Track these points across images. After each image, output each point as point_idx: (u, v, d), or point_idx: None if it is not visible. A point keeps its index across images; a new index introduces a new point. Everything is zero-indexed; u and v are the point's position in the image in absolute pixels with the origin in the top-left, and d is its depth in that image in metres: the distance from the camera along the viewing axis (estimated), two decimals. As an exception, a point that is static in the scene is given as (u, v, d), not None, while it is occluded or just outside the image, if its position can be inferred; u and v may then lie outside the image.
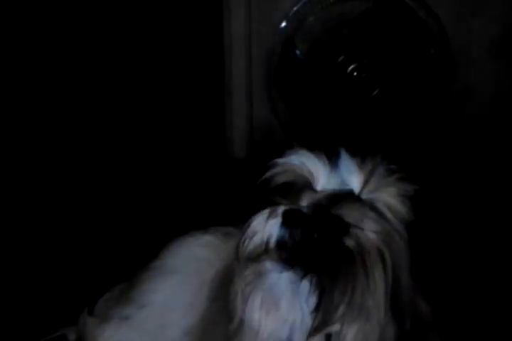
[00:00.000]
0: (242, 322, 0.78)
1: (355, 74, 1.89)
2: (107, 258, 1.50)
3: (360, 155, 0.84)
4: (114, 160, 1.92)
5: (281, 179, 0.83)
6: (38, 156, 1.90)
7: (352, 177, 0.81)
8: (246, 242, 0.77)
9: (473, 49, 1.97)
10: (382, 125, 1.95)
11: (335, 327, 0.75)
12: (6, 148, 1.89)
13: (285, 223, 0.75)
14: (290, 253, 0.75)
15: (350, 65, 1.89)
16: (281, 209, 0.76)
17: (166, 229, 1.31)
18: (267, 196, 0.81)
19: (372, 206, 0.80)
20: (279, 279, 0.75)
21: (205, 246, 1.08)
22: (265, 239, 0.76)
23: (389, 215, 0.80)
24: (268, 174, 0.83)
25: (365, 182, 0.80)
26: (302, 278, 0.74)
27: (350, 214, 0.77)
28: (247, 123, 2.00)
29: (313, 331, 0.75)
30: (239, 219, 0.85)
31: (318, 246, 0.74)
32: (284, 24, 1.88)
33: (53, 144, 1.95)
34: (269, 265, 0.76)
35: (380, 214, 0.80)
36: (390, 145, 1.96)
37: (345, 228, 0.76)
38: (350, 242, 0.76)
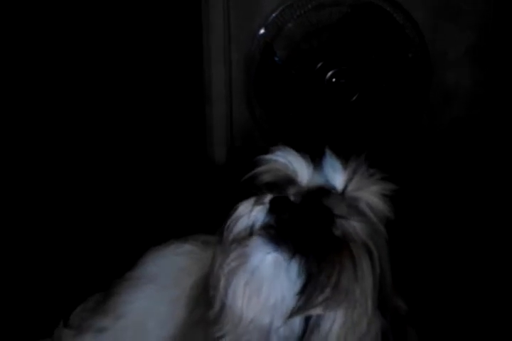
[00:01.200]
0: (223, 308, 0.78)
1: (333, 80, 1.90)
2: (82, 268, 1.48)
3: (344, 155, 0.85)
4: (94, 165, 1.91)
5: (266, 177, 0.83)
6: (27, 156, 1.89)
7: (336, 176, 0.82)
8: (231, 226, 0.77)
9: (451, 53, 1.99)
10: (362, 130, 1.96)
11: (316, 311, 0.74)
12: (5, 148, 1.87)
13: (272, 209, 0.76)
14: (279, 236, 0.75)
15: (329, 71, 1.90)
16: (268, 197, 0.77)
17: (144, 236, 1.30)
18: (251, 193, 0.82)
19: (354, 204, 0.81)
20: (263, 261, 0.75)
21: (185, 255, 1.07)
22: (251, 223, 0.76)
23: (370, 214, 0.81)
24: (253, 172, 0.84)
25: (348, 181, 0.81)
26: (290, 258, 0.74)
27: (336, 206, 0.78)
28: (227, 129, 2.01)
29: (295, 312, 0.74)
30: (219, 225, 0.84)
31: (307, 230, 0.75)
32: (262, 31, 1.88)
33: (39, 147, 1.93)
34: (254, 246, 0.75)
35: (361, 213, 0.81)
36: (371, 149, 1.96)
37: (332, 218, 0.77)
38: (337, 232, 0.76)
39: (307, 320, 0.75)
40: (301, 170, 0.82)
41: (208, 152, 2.06)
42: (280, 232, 0.75)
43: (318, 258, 0.74)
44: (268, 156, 0.83)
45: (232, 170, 1.92)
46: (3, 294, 1.41)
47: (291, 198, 0.77)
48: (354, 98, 1.92)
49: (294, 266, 0.74)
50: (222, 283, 0.77)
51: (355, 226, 0.78)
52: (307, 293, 0.74)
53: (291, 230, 0.75)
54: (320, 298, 0.74)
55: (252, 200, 0.78)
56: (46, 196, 1.78)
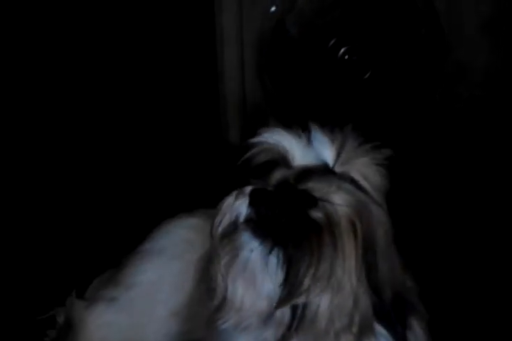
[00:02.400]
0: (224, 298, 0.79)
1: (346, 57, 1.88)
2: (99, 241, 1.51)
3: (331, 128, 0.85)
4: (108, 144, 1.93)
5: (260, 159, 0.84)
6: (35, 151, 1.92)
7: (325, 151, 0.82)
8: (219, 222, 0.79)
9: (465, 28, 1.96)
10: (374, 107, 1.94)
11: (301, 299, 0.75)
12: (6, 147, 1.90)
13: (252, 203, 0.77)
14: (259, 229, 0.76)
15: (342, 48, 1.88)
16: (248, 189, 0.78)
17: (159, 214, 1.32)
18: (248, 176, 0.82)
19: (347, 177, 0.81)
20: (251, 254, 0.76)
21: (191, 228, 1.09)
22: (234, 217, 0.78)
23: (365, 185, 0.81)
24: (246, 155, 0.84)
25: (338, 155, 0.82)
26: (270, 250, 0.75)
27: (318, 187, 0.78)
28: (240, 109, 2.01)
29: (280, 303, 0.76)
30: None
31: (282, 219, 0.75)
32: (274, 8, 1.87)
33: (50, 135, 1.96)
34: (241, 241, 0.77)
35: (356, 185, 0.81)
36: (383, 129, 1.96)
37: (311, 201, 0.77)
38: (317, 214, 0.77)
39: (294, 307, 0.76)
40: (292, 150, 0.82)
41: (223, 133, 2.07)
42: (260, 225, 0.76)
43: (296, 247, 0.75)
44: (257, 138, 0.83)
45: (246, 150, 1.92)
46: (22, 265, 1.45)
47: (269, 188, 0.77)
48: (367, 75, 1.91)
49: (276, 258, 0.75)
50: (219, 275, 0.79)
51: (339, 206, 0.77)
52: (290, 283, 0.75)
53: (269, 222, 0.76)
54: (303, 287, 0.75)
55: (234, 193, 0.79)
56: (65, 177, 1.82)
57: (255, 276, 0.77)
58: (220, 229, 0.78)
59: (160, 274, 1.05)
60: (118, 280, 1.08)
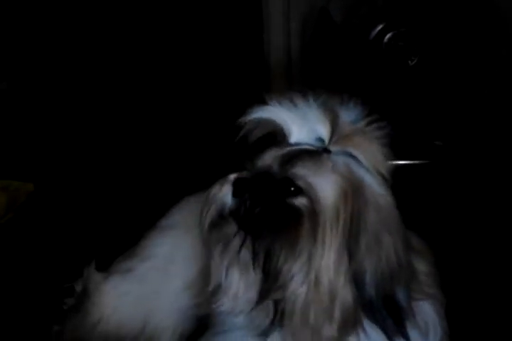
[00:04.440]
0: (218, 285, 0.80)
1: (392, 43, 1.84)
2: (122, 216, 1.55)
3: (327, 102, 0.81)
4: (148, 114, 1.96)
5: (255, 135, 0.81)
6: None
7: (320, 127, 0.78)
8: (206, 211, 0.79)
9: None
10: (420, 96, 1.89)
11: (280, 293, 0.75)
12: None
13: (234, 193, 0.76)
14: (241, 220, 0.76)
15: (387, 34, 1.84)
16: (232, 177, 0.77)
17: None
18: (245, 154, 0.82)
19: (343, 154, 0.77)
20: (236, 244, 0.76)
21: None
22: (220, 208, 0.77)
23: (364, 162, 0.77)
24: (242, 132, 0.82)
25: (332, 131, 0.78)
26: (253, 242, 0.75)
27: (303, 173, 0.75)
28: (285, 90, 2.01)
29: (260, 298, 0.76)
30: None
31: (256, 210, 0.74)
32: (318, -6, 1.86)
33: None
34: (229, 232, 0.77)
35: (354, 162, 0.77)
36: (430, 118, 1.90)
37: (292, 190, 0.75)
38: (299, 202, 0.75)
39: (276, 303, 0.76)
40: (286, 124, 0.78)
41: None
42: (241, 216, 0.75)
43: (273, 238, 0.74)
44: (250, 115, 0.80)
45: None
46: (47, 239, 1.51)
47: (249, 177, 0.76)
48: (413, 62, 1.86)
49: (252, 248, 0.75)
50: (213, 262, 0.80)
51: (321, 192, 0.74)
52: (267, 275, 0.75)
53: (247, 213, 0.75)
54: (281, 279, 0.74)
55: (219, 183, 0.78)
56: (90, 161, 1.88)
57: (246, 265, 0.77)
58: (208, 219, 0.78)
59: (174, 247, 1.06)
60: (134, 252, 1.10)
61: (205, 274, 1.01)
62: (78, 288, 1.13)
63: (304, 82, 1.98)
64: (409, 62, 1.85)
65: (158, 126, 2.01)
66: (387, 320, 0.76)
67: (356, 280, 0.75)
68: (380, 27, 1.85)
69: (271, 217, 0.74)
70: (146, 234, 1.13)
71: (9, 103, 2.09)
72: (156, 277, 1.06)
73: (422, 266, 0.85)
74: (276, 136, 0.80)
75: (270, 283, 0.75)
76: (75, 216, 1.60)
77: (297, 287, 0.74)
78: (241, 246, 0.75)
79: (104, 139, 1.97)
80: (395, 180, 0.81)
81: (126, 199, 1.65)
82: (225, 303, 0.79)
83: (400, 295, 0.78)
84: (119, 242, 1.20)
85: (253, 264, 0.75)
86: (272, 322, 0.77)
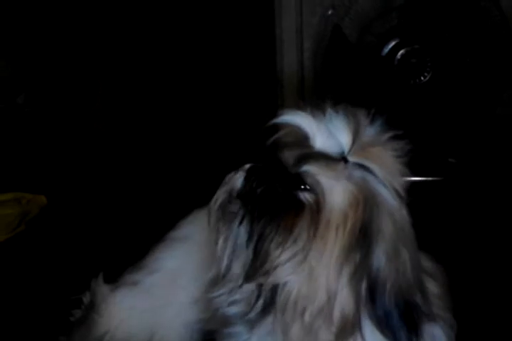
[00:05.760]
0: (220, 270, 0.80)
1: (404, 59, 1.85)
2: (129, 230, 1.56)
3: (351, 113, 0.83)
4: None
5: (283, 140, 0.83)
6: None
7: (342, 138, 0.80)
8: (217, 194, 0.80)
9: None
10: (430, 113, 1.89)
11: (265, 278, 0.75)
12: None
13: (246, 178, 0.79)
14: (246, 202, 0.77)
15: (400, 51, 1.85)
16: (246, 166, 0.79)
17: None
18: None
19: (360, 165, 0.78)
20: (241, 228, 0.77)
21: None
22: (229, 190, 0.79)
23: (380, 175, 0.78)
24: (275, 137, 0.83)
25: (353, 143, 0.79)
26: (250, 225, 0.76)
27: (314, 172, 0.77)
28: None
29: (245, 278, 0.76)
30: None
31: (260, 194, 0.76)
32: (330, 11, 1.87)
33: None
34: (233, 214, 0.78)
35: (370, 175, 0.78)
36: (444, 135, 1.90)
37: (299, 183, 0.77)
38: (305, 197, 0.76)
39: (259, 287, 0.76)
40: (312, 133, 0.80)
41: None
42: (247, 199, 0.77)
43: (269, 222, 0.75)
44: (280, 118, 0.83)
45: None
46: (56, 249, 1.52)
47: (262, 166, 0.78)
48: (426, 79, 1.86)
49: (249, 227, 0.76)
50: (218, 248, 0.80)
51: (331, 194, 0.75)
52: (256, 258, 0.75)
53: (252, 196, 0.77)
54: (268, 264, 0.74)
55: (237, 170, 0.80)
56: (96, 172, 1.91)
57: (242, 246, 0.77)
58: (218, 200, 0.80)
59: (183, 261, 1.06)
60: (142, 265, 1.10)
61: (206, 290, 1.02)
62: (85, 300, 1.13)
63: (316, 98, 1.99)
64: (422, 78, 1.85)
65: (171, 140, 2.03)
66: (401, 330, 0.76)
67: (373, 290, 0.75)
68: (393, 43, 1.86)
69: (271, 199, 0.76)
70: (154, 247, 1.13)
71: (25, 116, 2.12)
72: (164, 290, 1.06)
73: (433, 288, 0.85)
74: (299, 140, 0.82)
75: (258, 265, 0.75)
76: (84, 228, 1.61)
77: (285, 274, 0.75)
78: (240, 223, 0.76)
79: (117, 153, 1.99)
80: (409, 197, 0.81)
81: (134, 211, 1.66)
82: (222, 289, 0.80)
83: (419, 301, 0.77)
84: (127, 254, 1.20)
85: (247, 244, 0.76)
86: (263, 311, 0.76)
